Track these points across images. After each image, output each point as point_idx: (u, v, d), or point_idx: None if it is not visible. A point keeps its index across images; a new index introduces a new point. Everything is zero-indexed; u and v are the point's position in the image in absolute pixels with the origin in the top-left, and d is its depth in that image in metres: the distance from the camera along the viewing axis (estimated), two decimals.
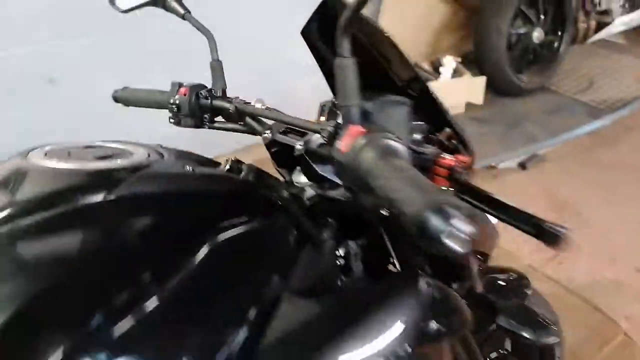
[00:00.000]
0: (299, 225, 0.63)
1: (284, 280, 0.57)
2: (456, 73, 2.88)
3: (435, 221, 0.41)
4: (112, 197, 0.52)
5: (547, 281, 1.97)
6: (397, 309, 0.54)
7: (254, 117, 0.72)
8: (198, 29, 0.75)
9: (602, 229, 2.25)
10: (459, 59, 2.92)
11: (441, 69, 2.83)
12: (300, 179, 0.71)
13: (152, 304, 0.45)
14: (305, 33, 0.72)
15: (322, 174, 0.63)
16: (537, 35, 3.01)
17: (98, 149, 0.63)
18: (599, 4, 3.23)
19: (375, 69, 0.71)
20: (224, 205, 0.60)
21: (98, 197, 0.51)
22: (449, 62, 2.82)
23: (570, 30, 3.13)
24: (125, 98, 0.85)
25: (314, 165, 0.63)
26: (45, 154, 0.60)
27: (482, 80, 2.87)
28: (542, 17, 3.09)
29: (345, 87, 0.54)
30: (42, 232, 0.49)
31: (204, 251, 0.51)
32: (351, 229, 0.70)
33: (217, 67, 0.75)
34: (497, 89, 3.04)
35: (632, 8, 3.34)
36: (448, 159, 0.65)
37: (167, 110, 0.76)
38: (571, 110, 3.04)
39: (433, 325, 0.56)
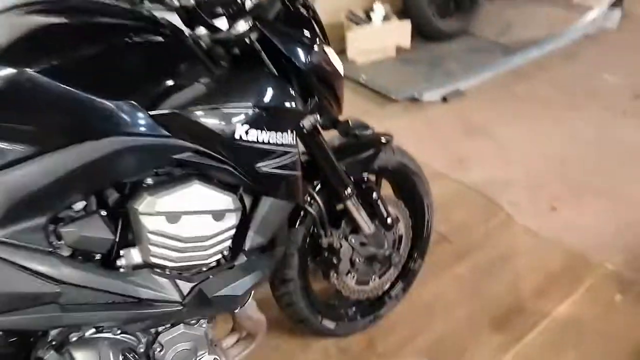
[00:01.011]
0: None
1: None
2: (386, 19, 3.24)
3: None
4: None
5: (450, 181, 2.39)
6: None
7: None
8: None
9: (504, 144, 2.68)
10: (387, 6, 3.28)
11: (372, 15, 3.19)
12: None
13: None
14: None
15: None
16: None
17: None
18: None
19: None
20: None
21: None
22: (379, 9, 3.18)
23: None
24: None
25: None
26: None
27: (408, 24, 3.25)
28: None
29: None
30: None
31: None
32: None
33: None
34: (423, 34, 3.43)
35: None
36: None
37: None
38: (489, 51, 3.44)
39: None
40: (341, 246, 1.36)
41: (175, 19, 0.99)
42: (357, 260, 1.42)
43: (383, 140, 1.41)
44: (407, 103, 3.03)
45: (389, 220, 1.43)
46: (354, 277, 1.46)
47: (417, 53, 3.37)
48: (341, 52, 3.25)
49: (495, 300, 1.79)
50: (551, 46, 3.50)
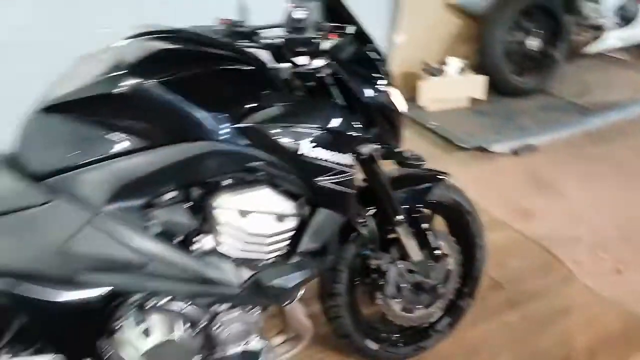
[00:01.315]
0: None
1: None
2: (461, 72, 3.37)
3: None
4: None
5: (510, 231, 2.40)
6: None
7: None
8: None
9: (573, 202, 2.65)
10: (466, 61, 3.42)
11: (446, 68, 3.34)
12: None
13: None
14: None
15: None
16: (533, 43, 3.49)
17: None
18: (590, 18, 3.65)
19: None
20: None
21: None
22: (454, 62, 3.32)
23: (565, 42, 3.56)
24: None
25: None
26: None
27: (483, 79, 3.35)
28: (537, 28, 3.55)
29: None
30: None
31: None
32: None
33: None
34: (498, 89, 3.51)
35: (625, 24, 3.74)
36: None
37: None
38: (566, 110, 3.45)
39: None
40: (389, 270, 1.46)
41: (263, 54, 1.20)
42: (404, 286, 1.50)
43: (439, 176, 1.52)
44: (475, 152, 3.09)
45: (437, 252, 1.51)
46: (399, 302, 1.54)
47: (491, 106, 3.45)
48: (412, 99, 3.41)
49: (544, 352, 1.78)
50: (632, 111, 3.44)
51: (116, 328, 1.04)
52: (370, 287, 1.50)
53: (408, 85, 3.52)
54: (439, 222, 1.67)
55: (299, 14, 1.07)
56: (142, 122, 0.98)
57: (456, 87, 3.39)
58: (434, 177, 1.51)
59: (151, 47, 1.04)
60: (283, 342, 1.38)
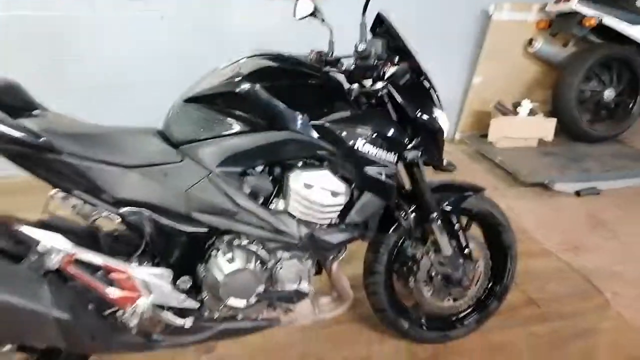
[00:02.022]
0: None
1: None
2: (532, 114, 3.58)
3: None
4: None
5: (556, 260, 2.57)
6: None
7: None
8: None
9: (626, 242, 2.75)
10: (537, 103, 3.62)
11: (519, 109, 3.56)
12: None
13: None
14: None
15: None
16: (609, 94, 3.62)
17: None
18: None
19: None
20: None
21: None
22: (526, 104, 3.54)
23: None
24: None
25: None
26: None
27: (552, 121, 3.53)
28: (614, 80, 3.69)
29: None
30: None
31: None
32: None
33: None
34: (569, 134, 3.66)
35: None
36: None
37: None
38: (634, 158, 3.50)
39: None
40: (422, 259, 1.78)
41: (340, 77, 1.62)
42: (434, 275, 1.80)
43: (476, 188, 1.82)
44: (537, 189, 3.27)
45: (466, 250, 1.80)
46: (429, 290, 1.84)
47: (558, 148, 3.61)
48: (484, 135, 3.67)
49: None
50: None
51: (211, 255, 1.47)
52: (405, 272, 1.82)
53: (481, 122, 3.80)
54: (476, 231, 1.96)
55: (364, 47, 1.47)
56: (249, 113, 1.42)
57: (526, 127, 3.60)
58: (471, 188, 1.82)
59: (261, 63, 1.49)
60: (328, 303, 1.74)
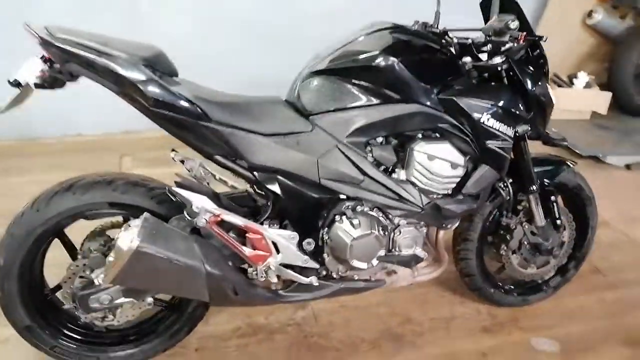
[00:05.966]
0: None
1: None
2: (587, 87, 3.60)
3: None
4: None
5: (616, 231, 2.68)
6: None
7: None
8: None
9: None
10: (593, 77, 3.64)
11: (575, 81, 3.58)
12: None
13: None
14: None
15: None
16: None
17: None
18: None
19: None
20: None
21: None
22: (582, 76, 3.56)
23: None
24: None
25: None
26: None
27: (607, 95, 3.56)
28: None
29: None
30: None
31: None
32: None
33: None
34: (622, 107, 3.69)
35: None
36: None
37: None
38: None
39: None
40: (515, 228, 1.87)
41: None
42: (525, 244, 1.90)
43: (569, 163, 1.90)
44: (589, 161, 3.34)
45: (558, 222, 1.89)
46: (518, 257, 1.94)
47: (611, 122, 3.65)
48: None
49: (635, 325, 2.06)
50: None
51: (336, 220, 1.56)
52: (498, 240, 1.91)
53: None
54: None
55: (497, 23, 1.50)
56: (382, 86, 1.47)
57: (581, 99, 3.63)
58: (565, 163, 1.89)
59: (389, 37, 1.52)
60: (426, 266, 1.84)
